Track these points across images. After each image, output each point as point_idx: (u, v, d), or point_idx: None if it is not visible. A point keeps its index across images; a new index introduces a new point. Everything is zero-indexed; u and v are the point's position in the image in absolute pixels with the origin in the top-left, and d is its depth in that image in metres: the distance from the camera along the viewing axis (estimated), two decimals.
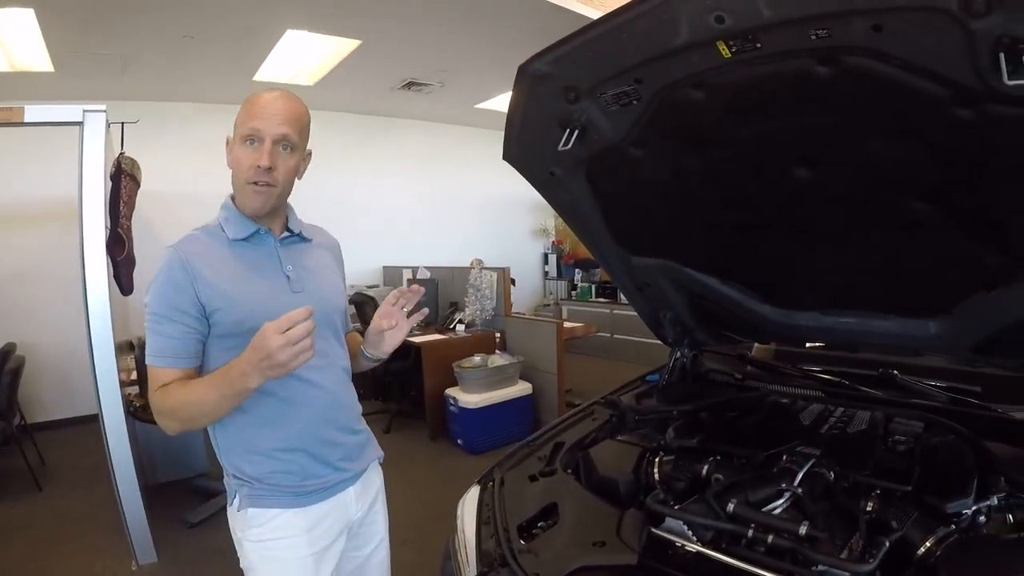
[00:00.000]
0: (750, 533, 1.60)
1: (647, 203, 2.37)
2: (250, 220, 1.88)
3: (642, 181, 2.25)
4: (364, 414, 2.17)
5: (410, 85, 8.49)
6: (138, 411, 4.84)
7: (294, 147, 1.83)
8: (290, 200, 1.98)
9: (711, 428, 2.30)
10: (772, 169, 1.96)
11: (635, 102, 1.91)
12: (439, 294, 8.31)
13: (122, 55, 6.49)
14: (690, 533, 1.70)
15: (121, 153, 4.78)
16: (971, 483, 1.66)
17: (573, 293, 12.44)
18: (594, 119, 2.02)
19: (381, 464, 2.26)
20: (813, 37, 1.46)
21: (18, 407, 6.08)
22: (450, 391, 6.65)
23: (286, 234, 1.98)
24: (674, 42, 1.64)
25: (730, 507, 1.69)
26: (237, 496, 1.89)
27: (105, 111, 4.11)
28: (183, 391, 1.71)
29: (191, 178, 7.76)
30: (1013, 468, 1.75)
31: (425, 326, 7.48)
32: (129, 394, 4.94)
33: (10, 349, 6.06)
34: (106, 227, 4.15)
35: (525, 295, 12.15)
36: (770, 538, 1.56)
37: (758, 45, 1.55)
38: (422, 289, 2.06)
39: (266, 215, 1.90)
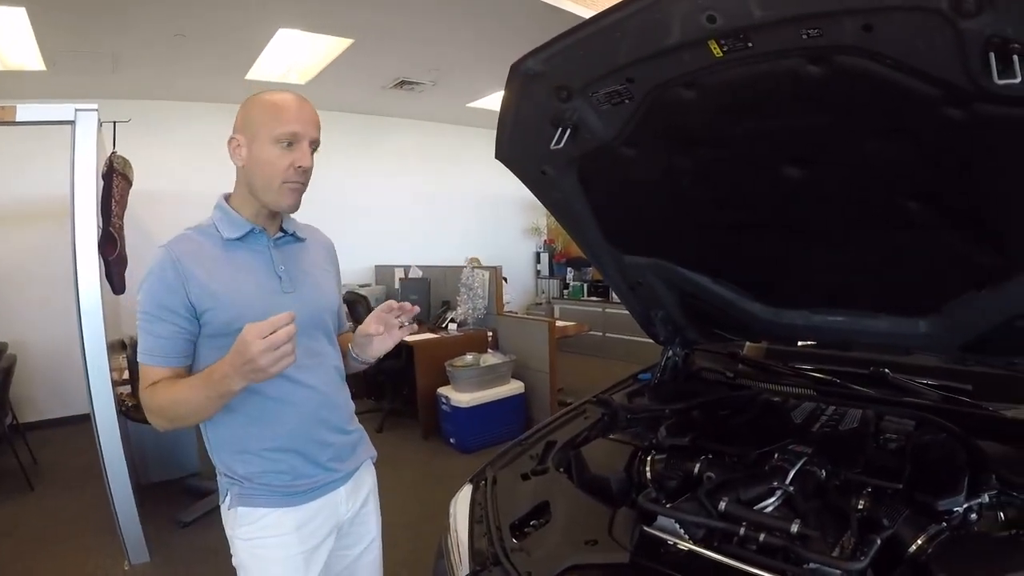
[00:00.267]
0: (742, 531, 1.60)
1: (639, 202, 2.38)
2: (245, 220, 1.88)
3: (634, 180, 2.25)
4: (356, 413, 2.17)
5: (402, 84, 8.48)
6: (130, 410, 4.83)
7: (316, 149, 1.89)
8: None
9: (703, 426, 2.31)
10: (764, 169, 1.97)
11: (627, 101, 1.91)
12: (431, 293, 8.30)
13: (113, 53, 6.47)
14: (682, 531, 1.70)
15: (113, 152, 4.76)
16: (962, 481, 1.66)
17: (565, 292, 12.44)
18: (586, 118, 2.02)
19: (374, 463, 2.26)
20: (804, 37, 1.47)
21: (10, 406, 6.05)
22: (442, 390, 6.64)
23: (280, 234, 1.98)
24: (666, 41, 1.64)
25: (722, 505, 1.69)
26: (228, 494, 1.90)
27: (97, 110, 4.10)
28: (171, 390, 1.72)
29: (183, 177, 7.76)
30: (1004, 466, 1.75)
31: (418, 324, 7.43)
32: (121, 393, 4.92)
33: (1, 348, 6.05)
34: (98, 226, 4.15)
35: (517, 294, 12.14)
36: (762, 536, 1.57)
37: (749, 45, 1.55)
38: (417, 308, 2.07)
39: (269, 216, 1.92)
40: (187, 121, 8.39)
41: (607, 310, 10.92)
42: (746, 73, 1.64)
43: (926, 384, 2.48)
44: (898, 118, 1.60)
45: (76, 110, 4.00)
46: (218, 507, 1.97)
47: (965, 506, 1.61)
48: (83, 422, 4.65)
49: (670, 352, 3.05)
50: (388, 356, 2.24)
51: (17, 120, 3.98)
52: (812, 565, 1.47)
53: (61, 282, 4.89)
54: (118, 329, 5.40)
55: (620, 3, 1.63)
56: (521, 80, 1.98)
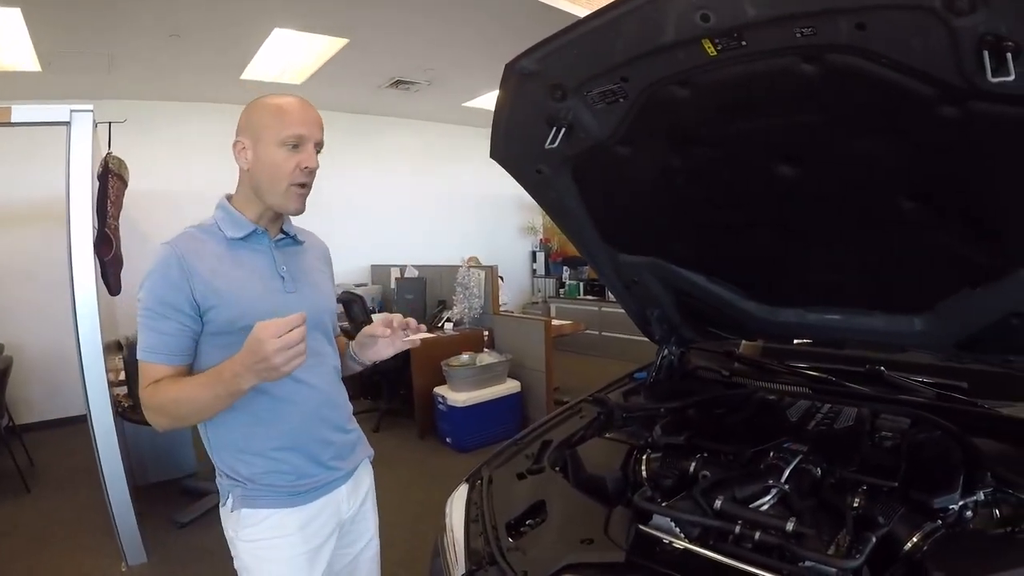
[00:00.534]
0: (737, 529, 1.60)
1: (634, 201, 2.38)
2: (248, 220, 1.89)
3: (628, 179, 2.25)
4: (353, 413, 2.18)
5: (397, 83, 8.48)
6: (126, 411, 4.83)
7: (320, 151, 1.90)
8: None
9: (698, 425, 2.31)
10: (758, 167, 1.97)
11: (621, 100, 1.91)
12: (427, 292, 8.30)
13: (109, 54, 6.46)
14: (677, 530, 1.70)
15: (108, 152, 4.76)
16: (958, 479, 1.66)
17: (561, 291, 12.47)
18: (581, 117, 2.03)
19: (371, 462, 2.27)
20: (798, 35, 1.47)
21: (6, 408, 6.02)
22: (438, 389, 6.65)
23: (281, 236, 1.99)
24: (660, 40, 1.64)
25: (717, 504, 1.69)
26: (230, 497, 1.89)
27: (92, 111, 4.09)
28: (175, 388, 1.71)
29: (179, 177, 7.77)
30: (999, 463, 1.75)
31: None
32: (117, 394, 4.92)
33: None
34: (94, 227, 4.14)
35: (513, 293, 12.14)
36: (757, 534, 1.56)
37: (743, 43, 1.55)
38: (419, 342, 2.15)
39: (272, 218, 1.94)
40: (182, 121, 8.39)
41: (603, 309, 10.93)
42: (740, 72, 1.64)
43: (921, 382, 2.49)
44: (892, 117, 1.60)
45: (71, 111, 3.99)
46: (215, 508, 1.97)
47: (960, 504, 1.61)
48: (79, 423, 4.65)
49: (666, 351, 3.05)
50: None
51: (12, 121, 3.98)
52: (808, 563, 1.46)
53: (57, 283, 4.89)
54: (114, 330, 5.39)
55: (614, 2, 1.64)
56: (516, 79, 1.99)
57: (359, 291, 7.85)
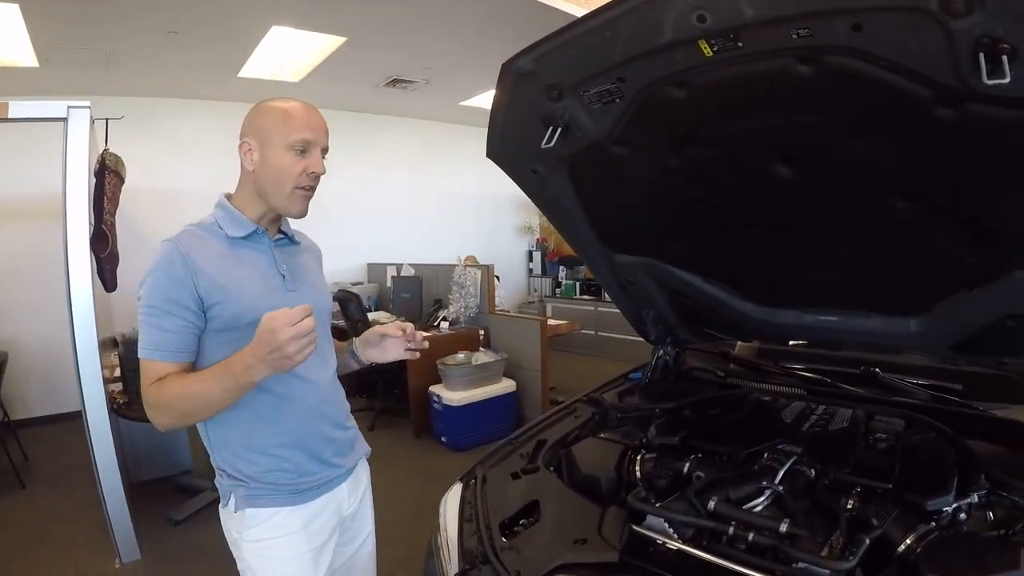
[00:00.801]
0: (731, 530, 1.60)
1: (630, 201, 2.38)
2: (249, 220, 1.90)
3: (625, 179, 2.25)
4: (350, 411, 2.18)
5: (395, 82, 8.47)
6: (122, 408, 4.82)
7: (325, 156, 1.93)
8: None
9: (693, 426, 2.31)
10: (754, 168, 1.97)
11: (618, 100, 1.91)
12: (423, 291, 8.29)
13: (106, 50, 6.45)
14: (671, 531, 1.70)
15: (105, 149, 4.76)
16: (952, 481, 1.67)
17: (557, 290, 12.44)
18: (577, 117, 2.03)
19: (368, 460, 2.28)
20: (794, 36, 1.47)
21: (1, 404, 6.04)
22: (434, 388, 6.64)
23: (279, 236, 2.01)
24: (656, 40, 1.64)
25: (711, 504, 1.69)
26: (232, 497, 1.89)
27: (89, 107, 4.08)
28: (180, 384, 1.70)
29: (176, 174, 7.76)
30: (994, 466, 1.76)
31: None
32: (112, 391, 4.91)
33: None
34: (90, 223, 4.14)
35: (509, 292, 12.13)
36: (751, 536, 1.57)
37: (740, 44, 1.55)
38: (426, 344, 2.28)
39: (272, 219, 1.96)
40: (180, 118, 8.38)
41: (599, 309, 10.91)
42: (736, 73, 1.64)
43: (916, 384, 2.49)
44: (888, 118, 1.60)
45: (69, 107, 3.98)
46: (210, 505, 1.97)
47: (954, 506, 1.61)
48: (74, 419, 4.66)
49: (661, 351, 3.05)
50: None
51: (9, 117, 3.96)
52: (801, 564, 1.47)
53: (52, 279, 4.87)
54: (110, 326, 5.38)
55: (611, 2, 1.64)
56: (512, 79, 1.99)
57: (355, 290, 7.84)
